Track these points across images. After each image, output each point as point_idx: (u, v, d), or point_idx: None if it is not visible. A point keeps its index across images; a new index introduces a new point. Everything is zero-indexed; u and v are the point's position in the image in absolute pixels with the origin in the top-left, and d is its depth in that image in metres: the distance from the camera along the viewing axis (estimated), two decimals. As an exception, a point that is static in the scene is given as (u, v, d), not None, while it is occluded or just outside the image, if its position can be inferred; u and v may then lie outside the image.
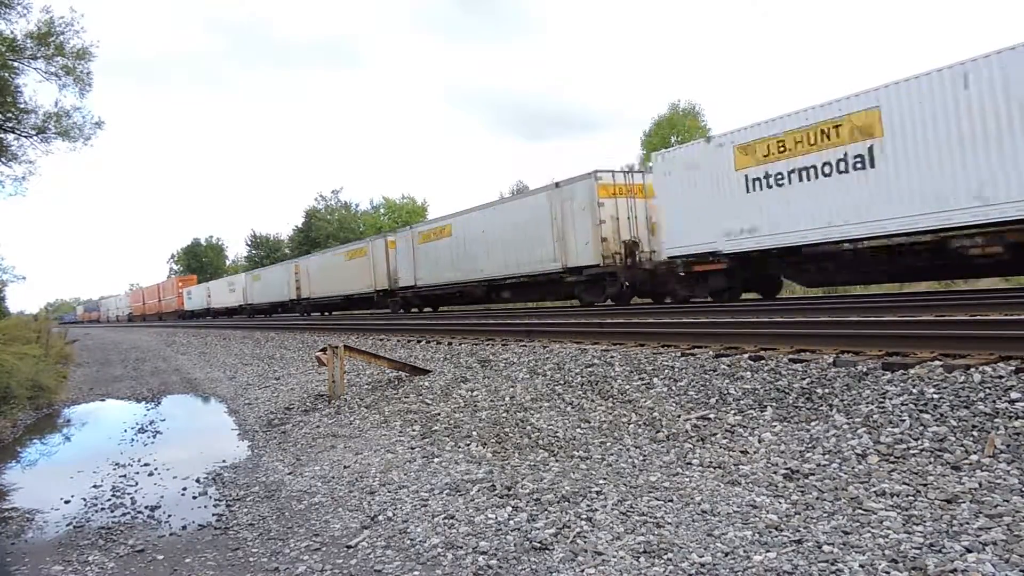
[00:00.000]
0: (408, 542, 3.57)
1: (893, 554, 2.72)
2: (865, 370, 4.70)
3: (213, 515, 4.45)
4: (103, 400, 11.74)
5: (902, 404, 4.11)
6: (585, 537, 3.33)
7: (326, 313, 33.37)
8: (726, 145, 13.12)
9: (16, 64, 20.26)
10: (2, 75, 19.75)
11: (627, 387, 5.76)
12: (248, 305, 42.88)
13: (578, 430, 5.12)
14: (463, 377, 7.50)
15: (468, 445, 5.32)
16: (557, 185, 17.54)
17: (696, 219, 13.65)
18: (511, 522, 3.64)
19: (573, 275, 16.74)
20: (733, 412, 4.79)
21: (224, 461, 6.07)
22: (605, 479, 4.11)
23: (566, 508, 3.72)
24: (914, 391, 4.21)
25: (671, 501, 3.64)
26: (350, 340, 12.71)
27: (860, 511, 3.17)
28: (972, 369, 4.24)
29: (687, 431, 4.67)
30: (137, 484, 5.51)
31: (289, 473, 5.35)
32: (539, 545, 3.30)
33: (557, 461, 4.60)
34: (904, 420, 3.94)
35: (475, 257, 20.52)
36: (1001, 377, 4.06)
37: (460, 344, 9.68)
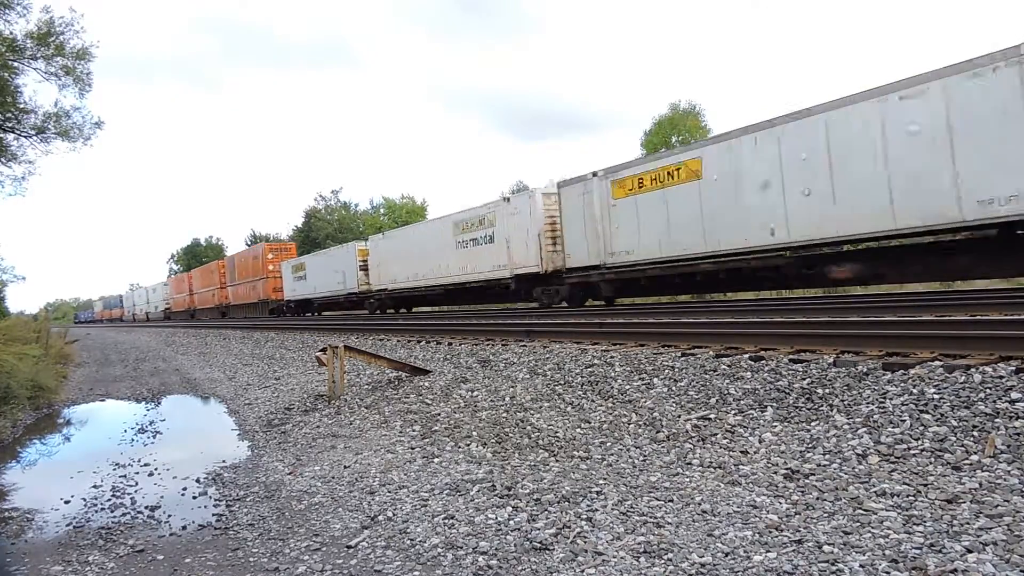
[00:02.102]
0: (408, 542, 3.57)
1: (893, 554, 2.72)
2: (865, 370, 4.70)
3: (213, 515, 4.45)
4: (103, 400, 11.73)
5: (902, 404, 4.11)
6: (585, 537, 3.33)
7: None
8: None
9: (16, 64, 20.28)
10: (2, 75, 19.75)
11: (627, 387, 5.76)
12: (603, 270, 15.59)
13: (578, 430, 5.12)
14: (463, 377, 7.50)
15: (468, 445, 5.32)
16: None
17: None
18: (511, 522, 3.64)
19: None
20: (733, 412, 4.78)
21: (224, 461, 6.06)
22: (605, 479, 4.11)
23: (566, 508, 3.72)
24: (914, 391, 4.20)
25: (671, 501, 3.64)
26: (350, 340, 12.71)
27: (860, 511, 3.16)
28: (972, 369, 4.24)
29: (687, 431, 4.67)
30: (137, 484, 5.51)
31: (289, 473, 5.34)
32: (539, 545, 3.30)
33: (557, 461, 4.60)
34: (904, 420, 3.94)
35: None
36: (1001, 377, 4.06)
37: (460, 344, 9.68)
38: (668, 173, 13.84)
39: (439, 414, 6.37)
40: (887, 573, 2.60)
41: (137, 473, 5.92)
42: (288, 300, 32.91)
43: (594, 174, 15.72)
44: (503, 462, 4.77)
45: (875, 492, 3.32)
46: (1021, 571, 2.48)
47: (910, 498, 3.20)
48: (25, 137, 21.68)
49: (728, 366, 5.57)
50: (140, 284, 74.14)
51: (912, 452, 3.63)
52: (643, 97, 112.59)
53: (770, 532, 3.10)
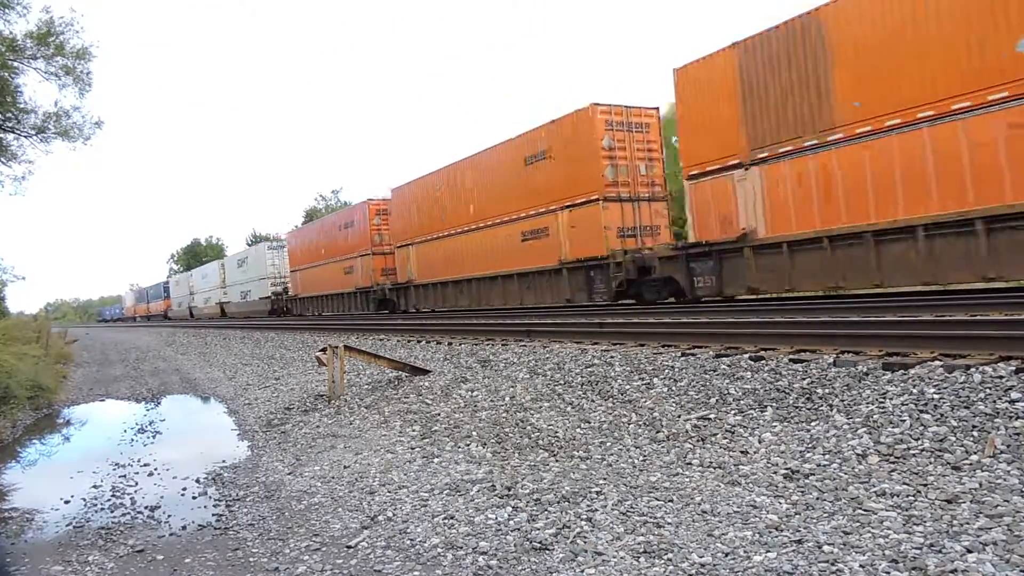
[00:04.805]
0: (408, 542, 3.57)
1: (893, 554, 2.72)
2: (865, 370, 4.70)
3: (213, 515, 4.45)
4: (103, 400, 11.73)
5: (902, 404, 4.11)
6: (585, 537, 3.33)
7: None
8: None
9: (16, 64, 20.22)
10: (2, 75, 19.73)
11: (627, 387, 5.76)
12: None
13: (578, 430, 5.12)
14: (463, 377, 7.50)
15: (468, 445, 5.32)
16: None
17: None
18: (511, 522, 3.64)
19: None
20: (733, 412, 4.78)
21: (224, 461, 6.06)
22: (605, 479, 4.11)
23: (566, 508, 3.72)
24: (914, 391, 4.20)
25: (671, 501, 3.64)
26: (350, 340, 12.71)
27: (860, 511, 3.16)
28: (972, 369, 4.23)
29: (687, 431, 4.67)
30: (137, 484, 5.51)
31: (289, 473, 5.34)
32: (539, 545, 3.30)
33: (557, 461, 4.60)
34: (904, 420, 3.94)
35: None
36: (1001, 377, 4.05)
37: (460, 344, 9.68)
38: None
39: (439, 414, 6.37)
40: (887, 573, 2.60)
41: (137, 473, 5.92)
42: None
43: None
44: (503, 462, 4.77)
45: (875, 492, 3.32)
46: (1021, 571, 2.48)
47: (910, 498, 3.20)
48: (25, 137, 21.63)
49: (728, 366, 5.57)
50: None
51: (912, 452, 3.63)
52: (643, 97, 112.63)
53: (770, 532, 3.10)
